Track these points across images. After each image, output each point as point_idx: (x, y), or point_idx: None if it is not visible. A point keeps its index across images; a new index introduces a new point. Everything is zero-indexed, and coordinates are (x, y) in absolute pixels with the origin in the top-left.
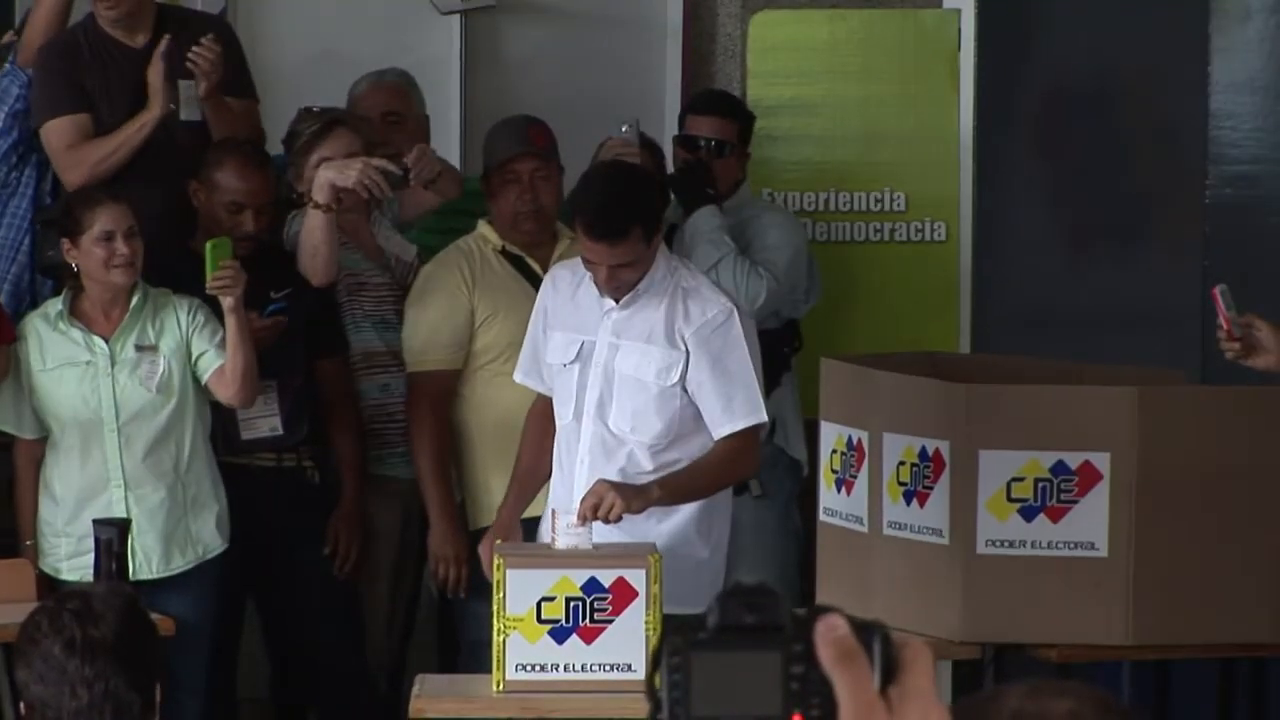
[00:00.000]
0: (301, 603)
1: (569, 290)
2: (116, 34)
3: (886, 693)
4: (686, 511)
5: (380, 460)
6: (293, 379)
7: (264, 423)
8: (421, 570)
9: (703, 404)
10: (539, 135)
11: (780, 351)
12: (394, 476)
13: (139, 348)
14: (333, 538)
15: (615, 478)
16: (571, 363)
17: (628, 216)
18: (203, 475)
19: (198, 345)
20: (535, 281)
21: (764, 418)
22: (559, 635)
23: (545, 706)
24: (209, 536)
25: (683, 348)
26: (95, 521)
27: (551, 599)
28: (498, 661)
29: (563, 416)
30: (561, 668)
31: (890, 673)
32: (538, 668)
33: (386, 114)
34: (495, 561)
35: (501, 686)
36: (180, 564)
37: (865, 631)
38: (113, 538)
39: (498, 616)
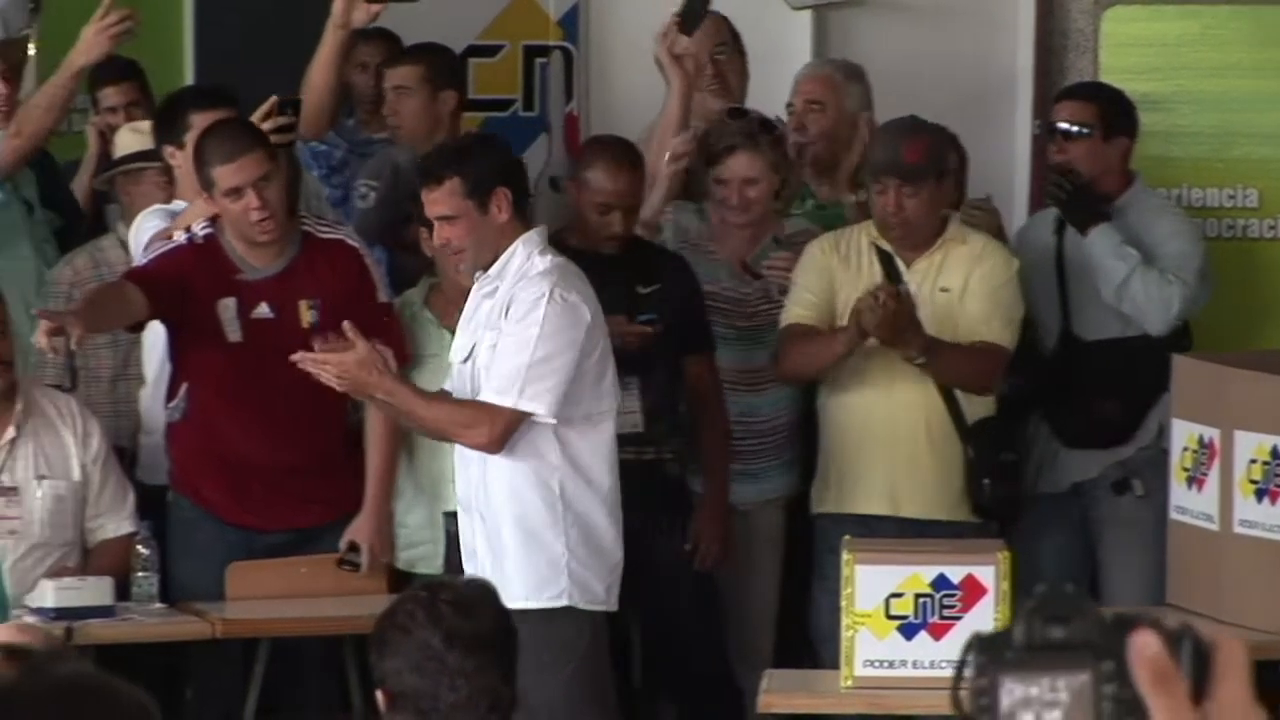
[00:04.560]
0: (660, 596)
1: (483, 295)
2: None
3: (1203, 706)
4: (526, 507)
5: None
6: (656, 375)
7: (625, 419)
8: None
9: (490, 364)
10: (912, 151)
11: (1181, 348)
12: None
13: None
14: (695, 533)
15: (474, 471)
16: (465, 361)
17: (445, 163)
18: None
19: None
20: (894, 278)
21: (509, 403)
22: (908, 631)
23: (894, 703)
24: None
25: (501, 328)
26: (446, 514)
27: (900, 595)
28: (846, 657)
29: None
30: (910, 664)
31: (1205, 683)
32: (887, 664)
33: (809, 102)
34: (845, 557)
35: (851, 682)
36: None
37: (1176, 643)
38: None
39: (847, 612)
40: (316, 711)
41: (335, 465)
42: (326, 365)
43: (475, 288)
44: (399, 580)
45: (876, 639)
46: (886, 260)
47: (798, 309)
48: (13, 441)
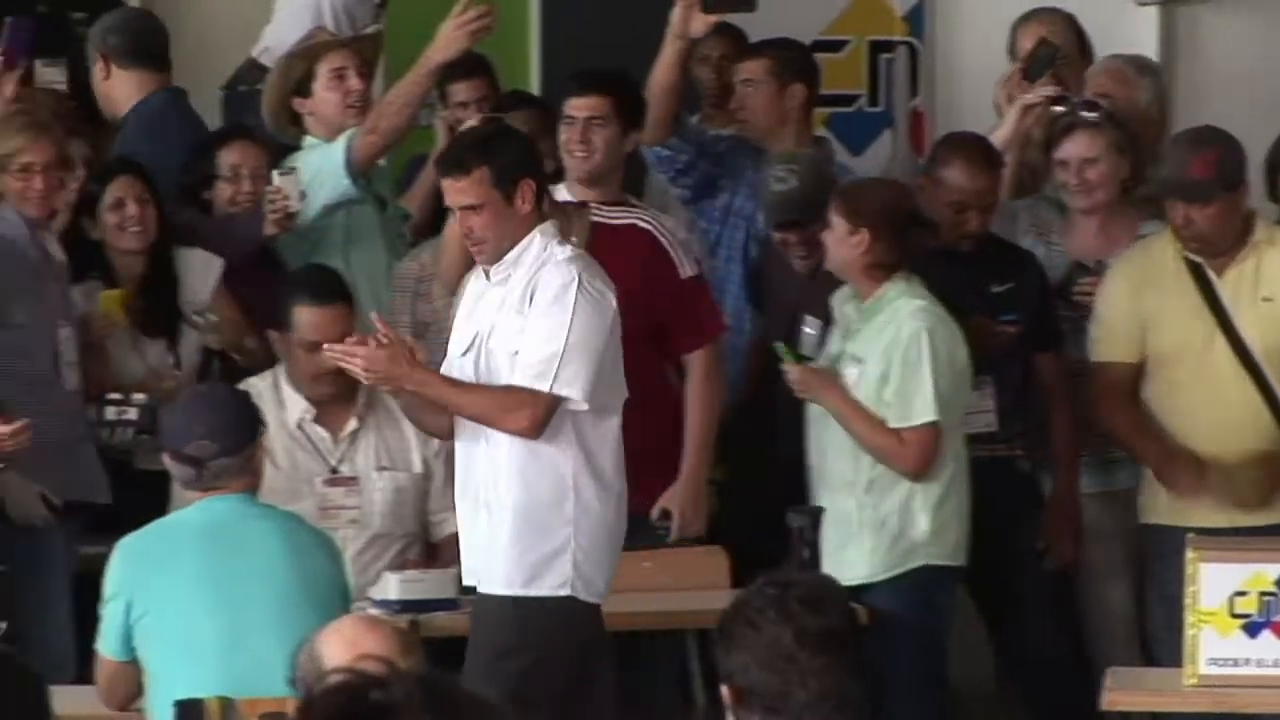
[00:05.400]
0: (1013, 590)
1: (481, 284)
2: None
3: None
4: (536, 495)
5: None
6: (1009, 374)
7: (979, 418)
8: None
9: (519, 352)
10: (1198, 167)
11: None
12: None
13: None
14: (1046, 530)
15: (481, 460)
16: (466, 351)
17: (473, 153)
18: None
19: None
20: (1207, 289)
21: (545, 387)
22: (1252, 630)
23: (1238, 701)
24: None
25: (526, 312)
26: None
27: (1245, 594)
28: (1190, 655)
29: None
30: (1254, 663)
31: None
32: (1231, 662)
33: (1100, 96)
34: (1189, 555)
35: (1195, 680)
36: None
37: None
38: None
39: (1191, 610)
40: (658, 705)
41: (658, 453)
42: (355, 357)
43: (476, 277)
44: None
45: (1220, 637)
46: (1197, 271)
47: (1107, 347)
48: (354, 433)
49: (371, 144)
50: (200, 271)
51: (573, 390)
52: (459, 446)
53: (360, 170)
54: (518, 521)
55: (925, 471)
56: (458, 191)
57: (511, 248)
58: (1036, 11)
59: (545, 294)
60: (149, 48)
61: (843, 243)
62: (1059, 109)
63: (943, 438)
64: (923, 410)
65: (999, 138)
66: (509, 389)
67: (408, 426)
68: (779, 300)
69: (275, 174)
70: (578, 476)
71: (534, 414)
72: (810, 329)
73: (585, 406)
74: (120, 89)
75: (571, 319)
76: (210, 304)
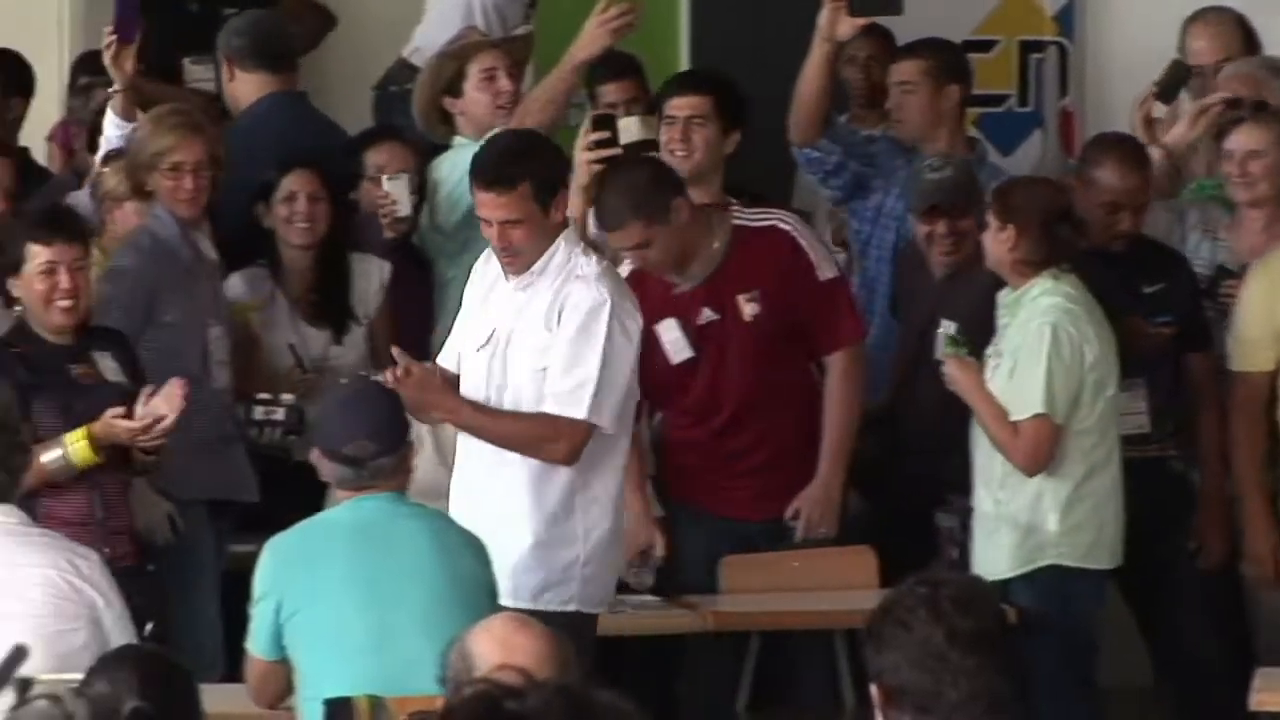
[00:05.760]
0: (1165, 591)
1: (496, 273)
2: None
3: None
4: (546, 511)
5: None
6: (1161, 375)
7: (1131, 420)
8: None
9: (548, 374)
10: None
11: None
12: None
13: None
14: (1197, 531)
15: (495, 471)
16: (482, 347)
17: (517, 169)
18: None
19: None
20: None
21: (582, 415)
22: None
23: None
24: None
25: (555, 329)
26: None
27: None
28: None
29: None
30: None
31: None
32: None
33: (1232, 102)
34: None
35: None
36: None
37: None
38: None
39: None
40: (807, 705)
41: (799, 454)
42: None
43: (487, 259)
44: None
45: None
46: None
47: (1244, 358)
48: None
49: None
50: (374, 277)
51: (603, 418)
52: (460, 464)
53: None
54: (527, 537)
55: (1038, 466)
56: (500, 206)
57: (540, 256)
58: (1205, 11)
59: (576, 315)
60: (270, 50)
61: (994, 238)
62: (1231, 112)
63: (1062, 435)
64: (1030, 403)
65: (1173, 138)
66: (541, 418)
67: None
68: (915, 306)
69: (385, 179)
70: (586, 494)
71: (572, 444)
72: (948, 331)
73: (611, 433)
74: (242, 90)
75: (604, 345)
76: (375, 313)
